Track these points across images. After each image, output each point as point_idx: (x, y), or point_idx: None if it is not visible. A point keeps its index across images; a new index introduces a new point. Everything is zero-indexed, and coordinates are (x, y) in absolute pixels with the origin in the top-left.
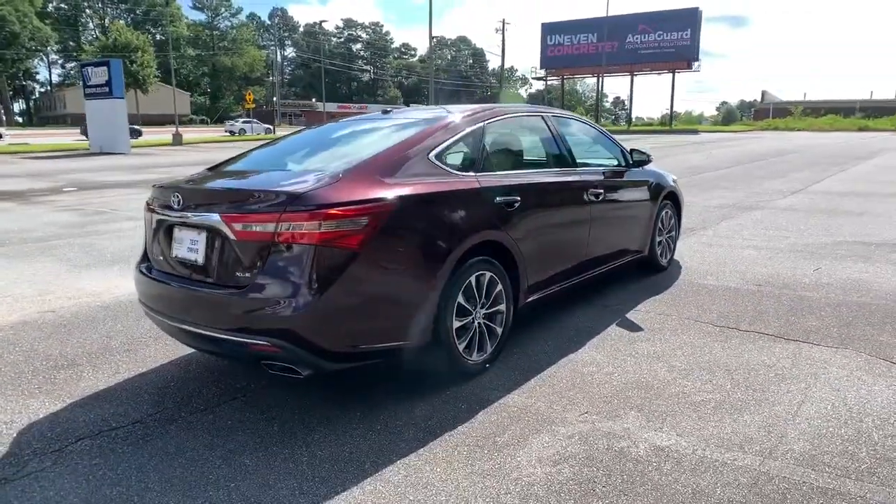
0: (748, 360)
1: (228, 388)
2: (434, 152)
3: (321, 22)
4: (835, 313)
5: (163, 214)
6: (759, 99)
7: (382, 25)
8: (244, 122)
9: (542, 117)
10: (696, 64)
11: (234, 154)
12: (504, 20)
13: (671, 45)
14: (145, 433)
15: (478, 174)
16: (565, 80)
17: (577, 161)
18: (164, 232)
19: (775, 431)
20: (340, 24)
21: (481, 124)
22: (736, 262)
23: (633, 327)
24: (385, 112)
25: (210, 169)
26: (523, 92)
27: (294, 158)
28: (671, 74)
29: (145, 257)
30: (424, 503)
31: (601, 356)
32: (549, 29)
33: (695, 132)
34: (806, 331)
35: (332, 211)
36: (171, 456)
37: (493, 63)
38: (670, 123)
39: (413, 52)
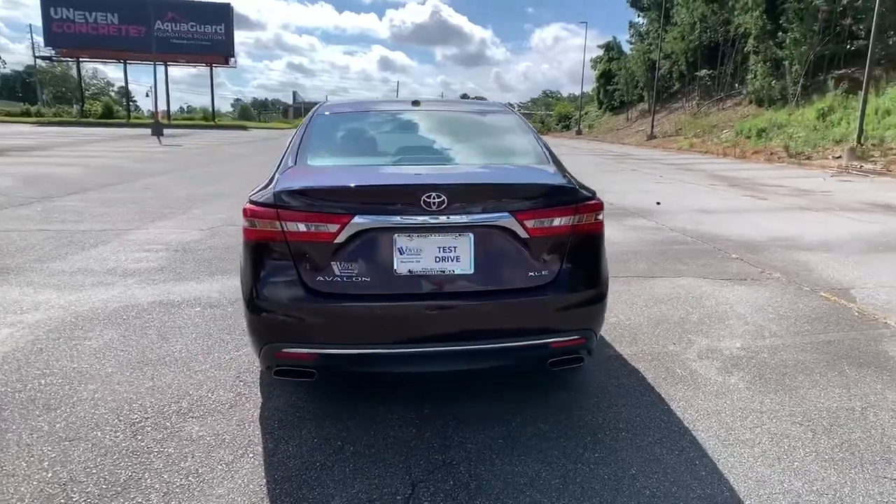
0: None
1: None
2: None
3: None
4: None
5: (385, 221)
6: (291, 99)
7: None
8: None
9: None
10: (234, 59)
11: None
12: None
13: (207, 38)
14: None
15: None
16: (82, 63)
17: None
18: (369, 243)
19: None
20: None
21: None
22: None
23: None
24: (416, 103)
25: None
26: None
27: (445, 151)
28: (209, 68)
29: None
30: None
31: None
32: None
33: (244, 128)
34: None
35: (601, 203)
36: None
37: None
38: (213, 118)
39: None
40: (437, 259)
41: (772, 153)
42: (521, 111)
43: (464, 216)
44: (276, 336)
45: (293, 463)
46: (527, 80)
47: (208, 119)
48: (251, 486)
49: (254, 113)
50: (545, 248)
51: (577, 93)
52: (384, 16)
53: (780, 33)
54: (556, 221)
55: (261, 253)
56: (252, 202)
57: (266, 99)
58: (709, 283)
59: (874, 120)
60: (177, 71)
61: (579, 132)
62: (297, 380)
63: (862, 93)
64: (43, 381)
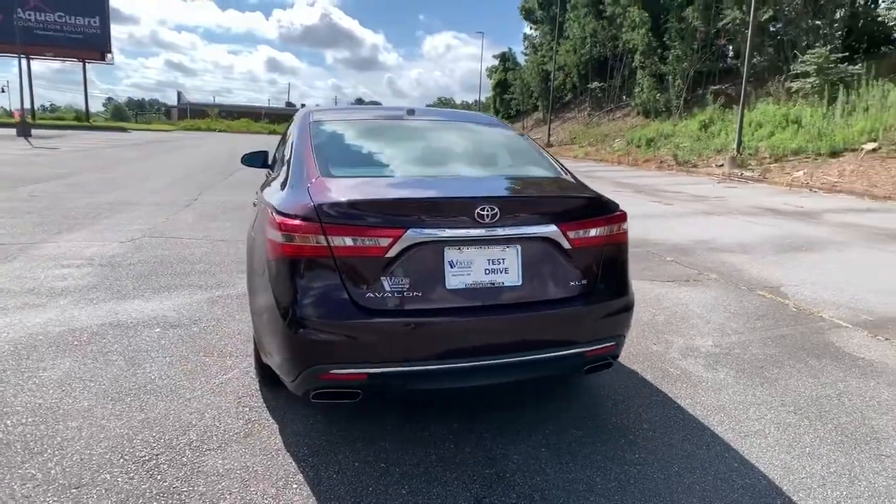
0: None
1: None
2: None
3: None
4: None
5: (437, 235)
6: (175, 101)
7: None
8: None
9: None
10: (110, 56)
11: None
12: None
13: (78, 30)
14: None
15: None
16: None
17: None
18: (420, 257)
19: None
20: None
21: None
22: None
23: None
24: (412, 111)
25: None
26: None
27: (465, 163)
28: (82, 63)
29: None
30: None
31: None
32: None
33: (123, 130)
34: None
35: (625, 214)
36: None
37: None
38: (87, 118)
39: None
40: (487, 271)
41: (661, 161)
42: None
43: (513, 228)
44: (323, 358)
45: (343, 490)
46: (420, 86)
47: (81, 119)
48: None
49: (129, 113)
50: (584, 258)
51: (470, 100)
52: (271, 16)
53: (664, 50)
54: (593, 232)
55: (301, 270)
56: (287, 215)
57: (143, 99)
58: (658, 285)
59: (749, 132)
60: (35, 65)
61: None
62: (336, 402)
63: (738, 107)
64: (8, 422)
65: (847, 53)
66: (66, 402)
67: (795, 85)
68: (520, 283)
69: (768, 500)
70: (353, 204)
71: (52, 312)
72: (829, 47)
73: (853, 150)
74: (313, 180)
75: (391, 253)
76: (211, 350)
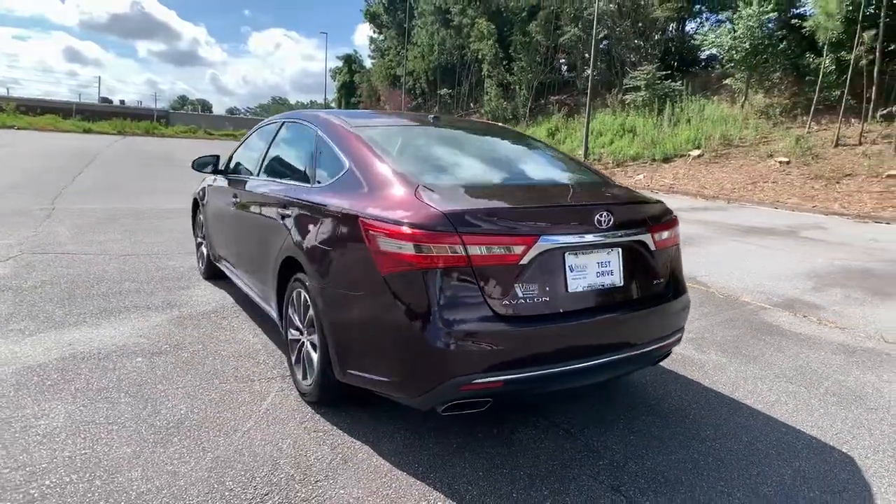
0: None
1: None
2: None
3: None
4: None
5: (562, 241)
6: None
7: None
8: None
9: None
10: None
11: None
12: None
13: None
14: None
15: None
16: None
17: None
18: (546, 263)
19: None
20: None
21: None
22: None
23: None
24: (437, 118)
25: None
26: None
27: (530, 170)
28: None
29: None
30: None
31: None
32: None
33: None
34: None
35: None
36: None
37: None
38: None
39: None
40: (598, 274)
41: None
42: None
43: (619, 232)
44: (466, 368)
45: (490, 498)
46: (247, 84)
47: None
48: None
49: None
50: (662, 259)
51: (306, 101)
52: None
53: (510, 62)
54: (666, 235)
55: (438, 280)
56: (415, 226)
57: None
58: None
59: (592, 139)
60: None
61: None
62: (465, 412)
63: (580, 116)
64: (46, 483)
65: (669, 71)
66: (101, 449)
67: (629, 97)
68: (622, 283)
69: (825, 454)
70: (490, 212)
71: None
72: (655, 65)
73: (682, 156)
74: (417, 189)
75: (524, 260)
76: (224, 376)
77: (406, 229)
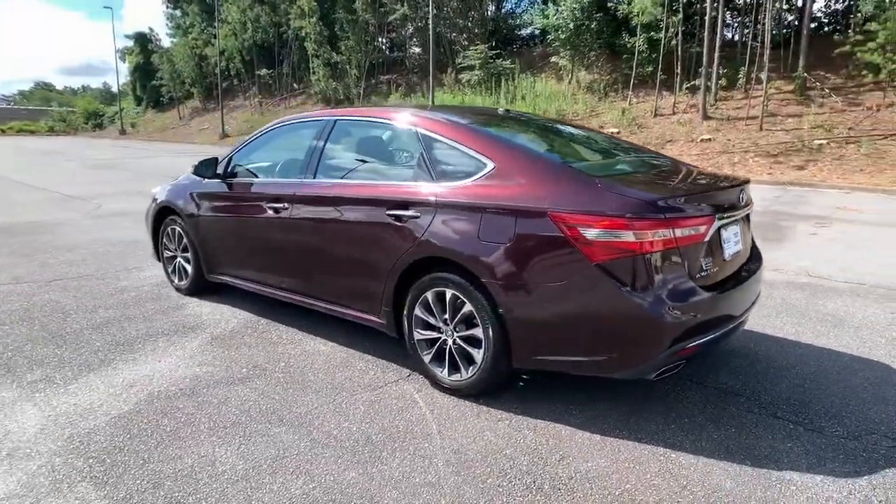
0: None
1: None
2: None
3: None
4: None
5: (725, 217)
6: None
7: None
8: None
9: None
10: None
11: None
12: None
13: None
14: None
15: None
16: None
17: None
18: (713, 237)
19: None
20: None
21: None
22: None
23: None
24: (508, 111)
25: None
26: None
27: (623, 156)
28: None
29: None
30: None
31: None
32: None
33: None
34: None
35: None
36: None
37: None
38: None
39: None
40: (735, 243)
41: None
42: (13, 106)
43: (747, 207)
44: (684, 336)
45: (689, 442)
46: None
47: None
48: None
49: None
50: (751, 230)
51: (76, 86)
52: None
53: (336, 40)
54: (751, 208)
55: (654, 263)
56: (633, 216)
57: None
58: None
59: None
60: None
61: (123, 132)
62: (664, 376)
63: (416, 96)
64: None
65: (499, 51)
66: (328, 480)
67: (464, 76)
68: (746, 250)
69: None
70: (680, 198)
71: (36, 408)
72: (487, 45)
73: None
74: (597, 181)
75: (707, 237)
76: (347, 388)
77: (625, 220)
